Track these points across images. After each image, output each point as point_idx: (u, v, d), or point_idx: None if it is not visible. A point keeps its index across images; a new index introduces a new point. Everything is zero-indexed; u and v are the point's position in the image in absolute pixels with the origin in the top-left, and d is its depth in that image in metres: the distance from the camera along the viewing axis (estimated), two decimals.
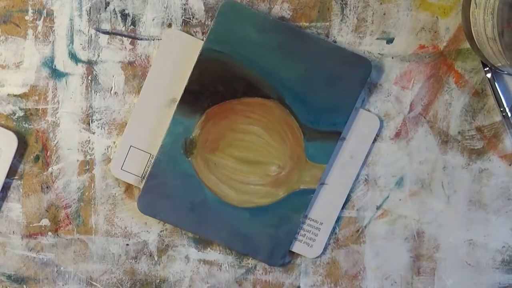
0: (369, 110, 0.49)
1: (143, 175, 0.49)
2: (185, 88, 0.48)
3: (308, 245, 0.50)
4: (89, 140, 0.50)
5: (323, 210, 0.49)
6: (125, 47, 0.49)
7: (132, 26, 0.49)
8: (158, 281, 0.51)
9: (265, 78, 0.48)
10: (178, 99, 0.48)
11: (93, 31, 0.49)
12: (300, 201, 0.49)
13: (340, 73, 0.48)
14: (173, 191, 0.49)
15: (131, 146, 0.49)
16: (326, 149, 0.49)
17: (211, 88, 0.48)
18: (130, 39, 0.49)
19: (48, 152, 0.50)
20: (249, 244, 0.49)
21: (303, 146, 0.49)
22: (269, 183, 0.49)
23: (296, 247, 0.50)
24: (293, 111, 0.48)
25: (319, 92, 0.48)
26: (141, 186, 0.49)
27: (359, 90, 0.48)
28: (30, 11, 0.49)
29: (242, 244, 0.49)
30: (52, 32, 0.49)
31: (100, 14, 0.49)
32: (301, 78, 0.48)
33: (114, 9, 0.49)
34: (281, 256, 0.49)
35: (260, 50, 0.48)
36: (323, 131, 0.48)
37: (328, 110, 0.48)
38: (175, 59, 0.49)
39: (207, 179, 0.49)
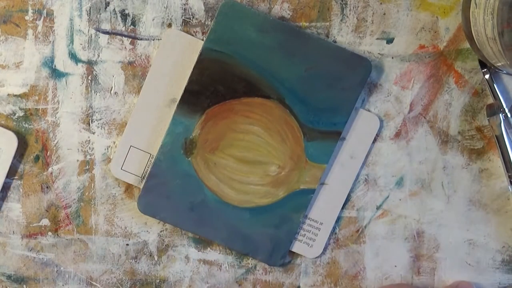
0: (369, 110, 0.49)
1: (143, 175, 0.49)
2: (185, 88, 0.48)
3: (308, 245, 0.50)
4: (89, 140, 0.50)
5: (323, 210, 0.49)
6: (125, 47, 0.49)
7: (132, 26, 0.49)
8: (158, 281, 0.51)
9: (265, 78, 0.48)
10: (178, 99, 0.48)
11: (93, 31, 0.49)
12: (300, 201, 0.49)
13: (340, 73, 0.48)
14: (173, 191, 0.49)
15: (131, 146, 0.49)
16: (326, 149, 0.49)
17: (211, 88, 0.48)
18: (130, 39, 0.49)
19: (48, 152, 0.50)
20: (249, 244, 0.49)
21: (303, 146, 0.49)
22: (269, 183, 0.49)
23: (296, 247, 0.50)
24: (293, 111, 0.48)
25: (319, 92, 0.48)
26: (141, 186, 0.49)
27: (359, 90, 0.48)
28: (30, 11, 0.49)
29: (242, 244, 0.49)
30: (52, 32, 0.49)
31: (100, 14, 0.49)
32: (301, 78, 0.48)
33: (114, 9, 0.49)
34: (281, 256, 0.49)
35: (260, 50, 0.48)
36: (323, 131, 0.48)
37: (328, 110, 0.48)
38: (175, 59, 0.49)
39: (207, 179, 0.49)
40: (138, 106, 0.49)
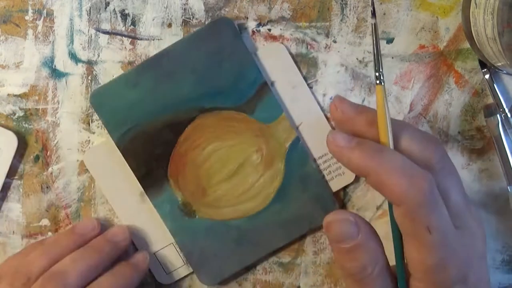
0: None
1: (184, 260, 0.50)
2: (138, 178, 0.48)
3: (341, 175, 0.49)
4: (89, 140, 0.50)
5: (319, 141, 0.49)
6: (125, 47, 0.49)
7: (132, 26, 0.49)
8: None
9: (177, 109, 0.48)
10: (142, 189, 0.48)
11: (93, 31, 0.49)
12: (299, 155, 0.49)
13: (216, 48, 0.47)
14: (213, 249, 0.49)
15: (153, 253, 0.50)
16: (270, 104, 0.48)
17: (151, 157, 0.48)
18: (130, 39, 0.49)
19: (48, 152, 0.50)
20: (303, 221, 0.49)
21: (254, 120, 0.48)
22: (264, 168, 0.49)
23: (335, 185, 0.49)
24: (220, 107, 0.48)
25: (221, 75, 0.47)
26: (193, 269, 0.50)
27: (239, 42, 0.47)
28: (30, 11, 0.49)
29: (297, 227, 0.49)
30: (52, 32, 0.49)
31: (100, 14, 0.49)
32: (197, 82, 0.48)
33: (114, 9, 0.49)
34: (332, 203, 0.49)
35: (150, 96, 0.47)
36: (253, 96, 0.48)
37: (240, 78, 0.48)
38: (104, 169, 0.49)
39: (224, 215, 0.49)
40: (123, 219, 0.50)
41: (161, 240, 0.50)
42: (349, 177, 0.49)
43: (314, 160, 0.49)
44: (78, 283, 0.44)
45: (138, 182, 0.48)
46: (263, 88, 0.48)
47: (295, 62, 0.49)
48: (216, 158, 0.48)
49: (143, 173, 0.48)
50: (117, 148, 0.48)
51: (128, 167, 0.48)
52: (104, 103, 0.47)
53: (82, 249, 0.46)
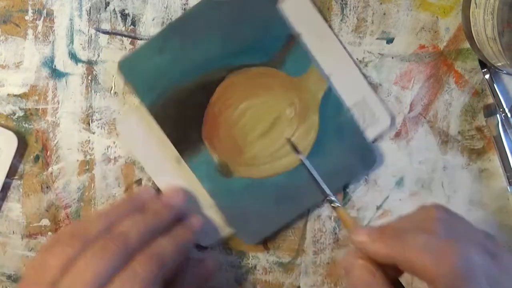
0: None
1: (223, 221, 0.50)
2: (173, 143, 0.48)
3: (375, 121, 0.49)
4: (89, 140, 0.50)
5: (352, 89, 0.48)
6: (125, 47, 0.49)
7: (132, 26, 0.49)
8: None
9: (206, 70, 0.47)
10: (178, 154, 0.48)
11: (93, 31, 0.49)
12: (332, 105, 0.48)
13: (238, 4, 0.47)
14: (252, 208, 0.49)
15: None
16: (298, 56, 0.48)
17: (185, 121, 0.48)
18: (130, 39, 0.49)
19: (48, 152, 0.50)
20: (340, 174, 0.48)
21: (284, 74, 0.48)
22: (299, 121, 0.48)
23: (371, 132, 0.49)
24: (248, 64, 0.47)
25: (246, 31, 0.47)
26: (234, 231, 0.49)
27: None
28: (30, 11, 0.49)
29: (334, 181, 0.48)
30: (52, 32, 0.49)
31: (100, 14, 0.49)
32: (223, 41, 0.47)
33: (114, 9, 0.49)
34: (370, 152, 0.49)
35: (177, 60, 0.47)
36: (281, 50, 0.47)
37: (266, 33, 0.47)
38: (138, 135, 0.49)
39: (262, 172, 0.48)
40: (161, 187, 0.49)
41: (202, 204, 0.50)
42: (384, 122, 0.49)
43: (348, 109, 0.49)
44: (139, 244, 0.43)
45: (173, 147, 0.48)
46: (291, 40, 0.48)
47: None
48: (250, 115, 0.48)
49: (177, 137, 0.48)
50: (149, 115, 0.48)
51: (162, 133, 0.48)
52: (133, 70, 0.47)
53: (142, 214, 0.46)
